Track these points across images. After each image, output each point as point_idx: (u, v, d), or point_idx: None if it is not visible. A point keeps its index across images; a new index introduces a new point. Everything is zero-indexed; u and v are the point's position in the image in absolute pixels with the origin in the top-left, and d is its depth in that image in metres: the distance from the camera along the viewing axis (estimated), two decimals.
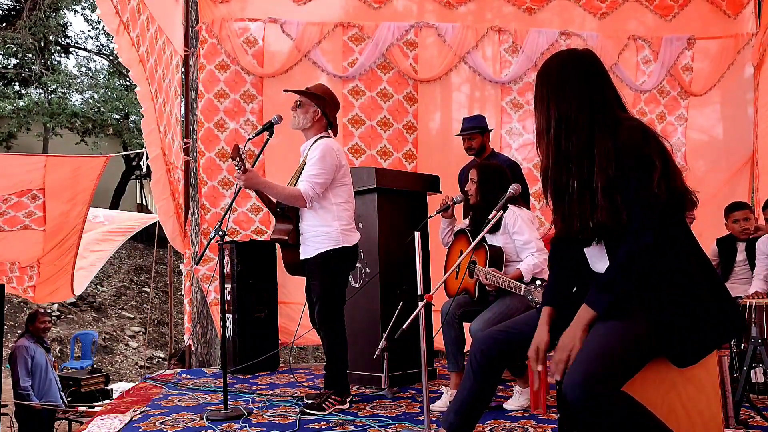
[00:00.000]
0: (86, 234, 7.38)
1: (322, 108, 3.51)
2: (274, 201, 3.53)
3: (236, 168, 3.20)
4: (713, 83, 5.93)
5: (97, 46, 16.14)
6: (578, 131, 1.76)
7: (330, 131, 3.60)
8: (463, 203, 3.65)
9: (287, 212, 3.51)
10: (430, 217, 3.69)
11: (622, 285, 1.68)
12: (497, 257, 3.32)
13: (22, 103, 13.46)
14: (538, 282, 2.90)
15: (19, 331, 10.02)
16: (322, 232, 3.39)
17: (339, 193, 3.45)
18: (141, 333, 12.20)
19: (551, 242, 2.01)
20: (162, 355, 11.60)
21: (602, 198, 1.69)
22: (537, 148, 1.87)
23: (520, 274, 3.20)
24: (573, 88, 1.78)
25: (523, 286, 2.99)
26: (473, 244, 2.59)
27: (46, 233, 6.50)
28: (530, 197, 5.47)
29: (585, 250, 1.88)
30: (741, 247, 4.40)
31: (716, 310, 1.68)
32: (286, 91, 3.66)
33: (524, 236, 3.29)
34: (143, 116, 4.97)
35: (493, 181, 3.40)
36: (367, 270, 4.15)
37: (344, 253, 3.41)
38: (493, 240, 3.39)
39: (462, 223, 3.71)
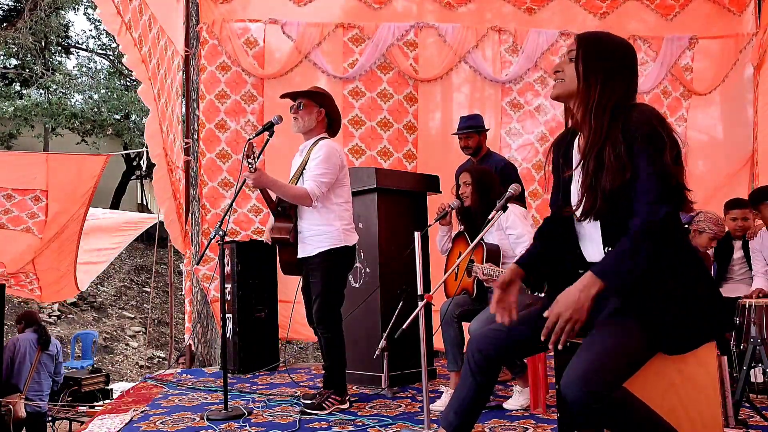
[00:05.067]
0: (92, 232, 7.39)
1: (326, 107, 3.53)
2: (275, 200, 3.54)
3: (248, 166, 3.21)
4: (717, 83, 5.88)
5: (99, 45, 16.16)
6: (608, 112, 1.79)
7: (328, 132, 3.61)
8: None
9: (288, 210, 3.52)
10: (429, 225, 3.69)
11: (638, 256, 1.64)
12: (494, 255, 3.35)
13: (22, 104, 13.44)
14: None
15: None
16: (324, 231, 3.40)
17: (340, 193, 3.47)
18: (141, 333, 12.21)
19: (544, 219, 2.04)
20: (162, 355, 11.60)
21: (609, 158, 1.70)
22: (575, 103, 1.87)
23: None
24: (621, 73, 1.85)
25: None
26: (472, 244, 2.60)
27: (42, 240, 6.48)
28: (527, 197, 5.48)
29: (579, 230, 1.89)
30: (737, 245, 4.36)
31: (706, 301, 1.70)
32: (283, 96, 3.61)
33: (517, 230, 3.32)
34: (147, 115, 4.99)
35: (488, 183, 3.45)
36: (367, 270, 4.15)
37: (345, 252, 3.43)
38: (489, 238, 3.40)
39: (459, 229, 3.71)
